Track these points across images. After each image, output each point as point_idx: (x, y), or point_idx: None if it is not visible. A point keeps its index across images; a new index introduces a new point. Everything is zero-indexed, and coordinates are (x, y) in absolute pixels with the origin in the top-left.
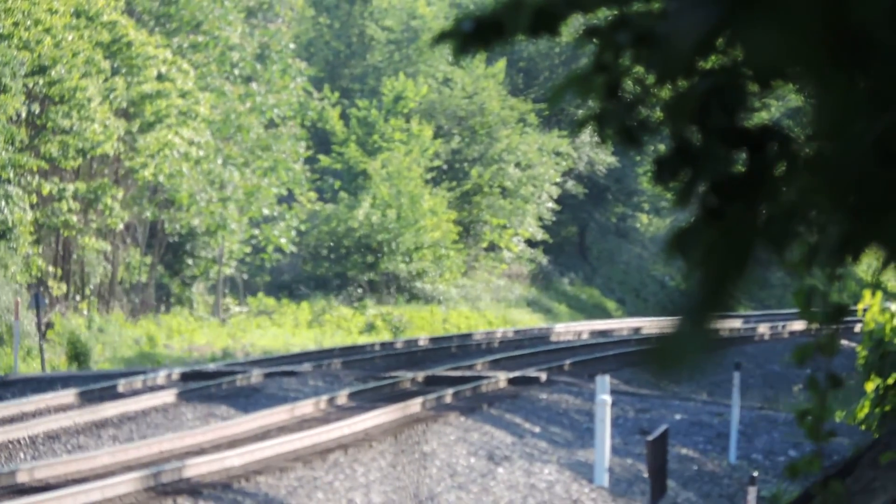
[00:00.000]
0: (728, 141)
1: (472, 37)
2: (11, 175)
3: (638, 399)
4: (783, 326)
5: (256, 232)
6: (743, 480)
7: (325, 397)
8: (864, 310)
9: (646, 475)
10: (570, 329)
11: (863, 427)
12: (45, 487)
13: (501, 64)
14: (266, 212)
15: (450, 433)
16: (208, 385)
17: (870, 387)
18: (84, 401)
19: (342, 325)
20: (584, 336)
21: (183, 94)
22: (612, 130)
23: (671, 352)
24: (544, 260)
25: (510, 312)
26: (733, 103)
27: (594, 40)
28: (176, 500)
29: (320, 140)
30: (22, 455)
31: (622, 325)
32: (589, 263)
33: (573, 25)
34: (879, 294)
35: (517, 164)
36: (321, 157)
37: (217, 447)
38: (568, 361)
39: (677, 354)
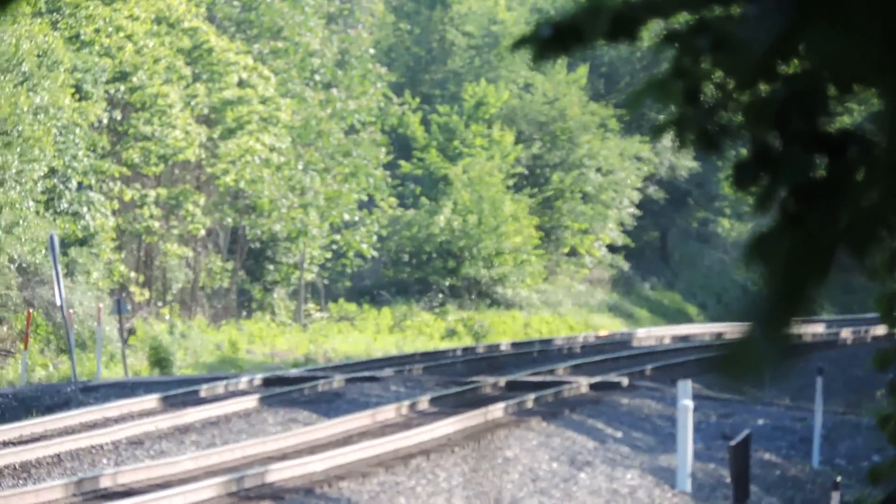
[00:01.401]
0: (808, 146)
1: (551, 42)
2: (93, 181)
3: (720, 404)
4: (866, 331)
5: (337, 237)
6: (826, 485)
7: (406, 402)
8: None
9: (728, 480)
10: (652, 334)
11: None
12: (128, 493)
13: (583, 70)
14: (347, 217)
15: (531, 438)
16: (290, 390)
17: None
18: (166, 406)
19: (423, 330)
20: (666, 341)
21: (264, 101)
22: (691, 136)
23: (744, 356)
24: (625, 265)
25: (592, 317)
26: (813, 108)
27: (674, 45)
28: None
29: (401, 145)
30: (105, 460)
31: (704, 329)
32: (670, 268)
33: (653, 30)
34: None
35: (598, 170)
36: (402, 162)
37: (299, 452)
38: (650, 366)
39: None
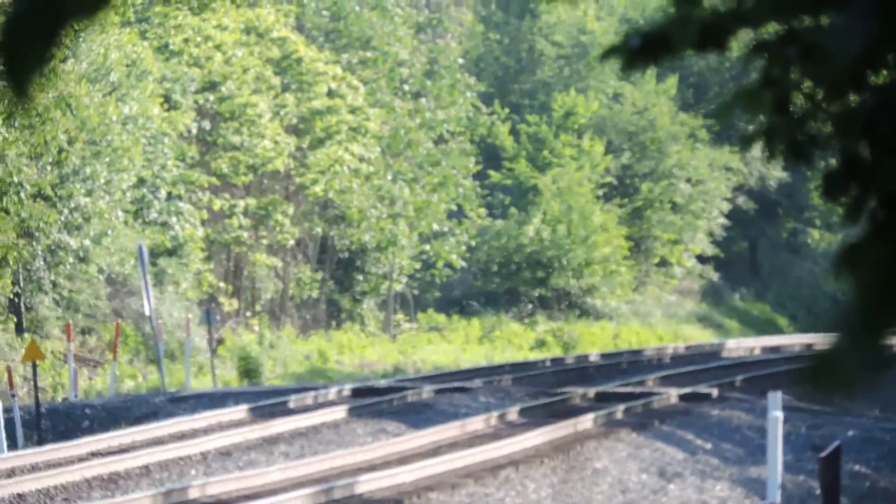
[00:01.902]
0: None
1: (639, 52)
2: (182, 192)
3: (810, 415)
4: None
5: (426, 248)
6: None
7: (495, 413)
8: None
9: (818, 492)
10: (742, 345)
11: None
12: (217, 503)
13: (673, 80)
14: (436, 227)
15: (621, 449)
16: (379, 401)
17: None
18: (255, 417)
19: (512, 340)
20: (756, 352)
21: (353, 111)
22: (781, 146)
23: (833, 369)
24: (715, 275)
25: (681, 328)
26: None
27: (763, 55)
28: None
29: (489, 155)
30: (194, 471)
31: (794, 340)
32: (760, 279)
33: (742, 40)
34: None
35: (688, 180)
36: (491, 172)
37: (388, 463)
38: (740, 377)
39: (840, 371)
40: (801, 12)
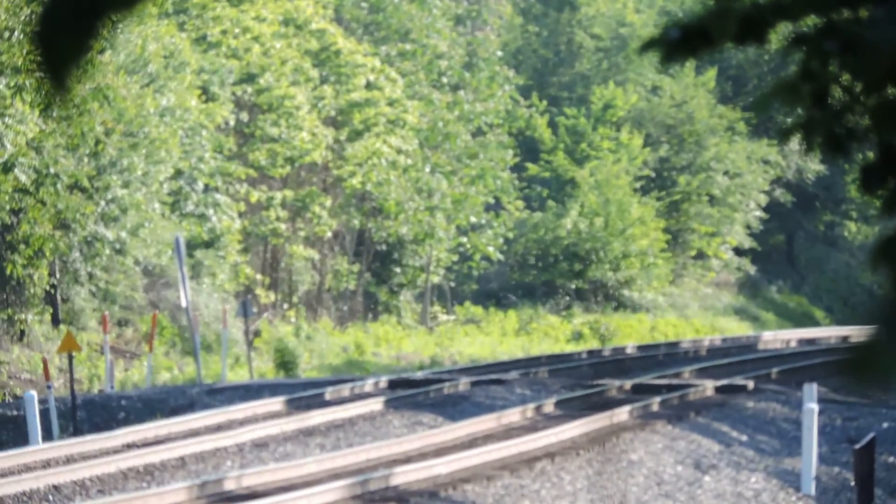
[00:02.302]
0: None
1: (678, 45)
2: (220, 183)
3: (845, 407)
4: None
5: (464, 240)
6: None
7: (531, 405)
8: None
9: (853, 484)
10: (778, 337)
11: None
12: (252, 495)
13: (712, 73)
14: (473, 220)
15: (657, 441)
16: (416, 393)
17: None
18: (291, 409)
19: (549, 333)
20: (792, 344)
21: (391, 103)
22: (819, 138)
23: (872, 361)
24: (752, 268)
25: (717, 320)
26: None
27: (802, 48)
28: None
29: (528, 148)
30: (230, 463)
31: (830, 333)
32: (797, 271)
33: (781, 33)
34: None
35: (725, 173)
36: (529, 165)
37: (424, 455)
38: (775, 370)
39: (878, 363)
40: (841, 5)
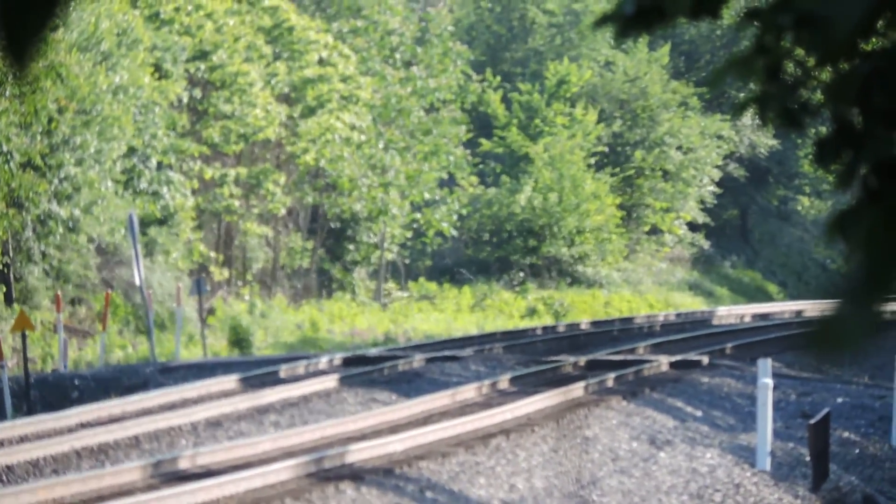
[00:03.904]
0: (890, 123)
1: (633, 20)
2: (173, 161)
3: (800, 382)
4: None
5: (418, 216)
6: None
7: (486, 382)
8: None
9: (808, 459)
10: (732, 312)
11: None
12: (207, 473)
13: (666, 48)
14: (427, 196)
15: (612, 417)
16: (370, 370)
17: None
18: (246, 387)
19: (504, 309)
20: (746, 319)
21: (344, 79)
22: (773, 113)
23: (833, 334)
24: (706, 243)
25: (672, 296)
26: (895, 85)
27: (755, 23)
28: (338, 485)
29: (481, 124)
30: (184, 441)
31: (784, 308)
32: (751, 246)
33: (735, 8)
34: None
35: (679, 148)
36: (482, 140)
37: (379, 433)
38: (730, 345)
39: (840, 337)
40: None
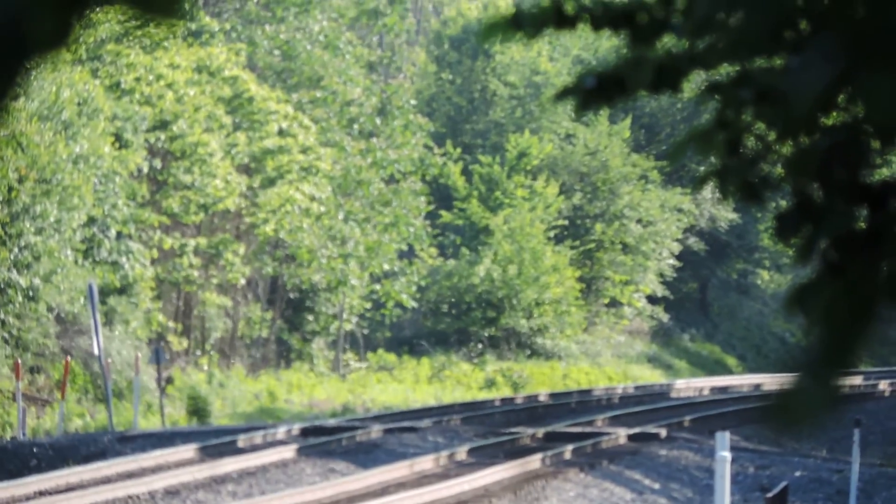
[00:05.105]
0: (850, 197)
1: (594, 93)
2: (133, 230)
3: (758, 455)
4: None
5: (377, 287)
6: None
7: (444, 453)
8: None
9: None
10: (691, 385)
11: None
12: None
13: (627, 121)
14: (387, 267)
15: (569, 489)
16: (328, 440)
17: None
18: (204, 456)
19: (462, 380)
20: (705, 392)
21: (304, 150)
22: (733, 187)
23: (792, 408)
24: (665, 316)
25: (630, 368)
26: (855, 159)
27: (716, 97)
28: None
29: (441, 195)
30: None
31: (743, 381)
32: (710, 319)
33: (695, 82)
34: None
35: (639, 221)
36: (443, 212)
37: (337, 503)
38: (688, 418)
39: (799, 410)
40: (756, 54)
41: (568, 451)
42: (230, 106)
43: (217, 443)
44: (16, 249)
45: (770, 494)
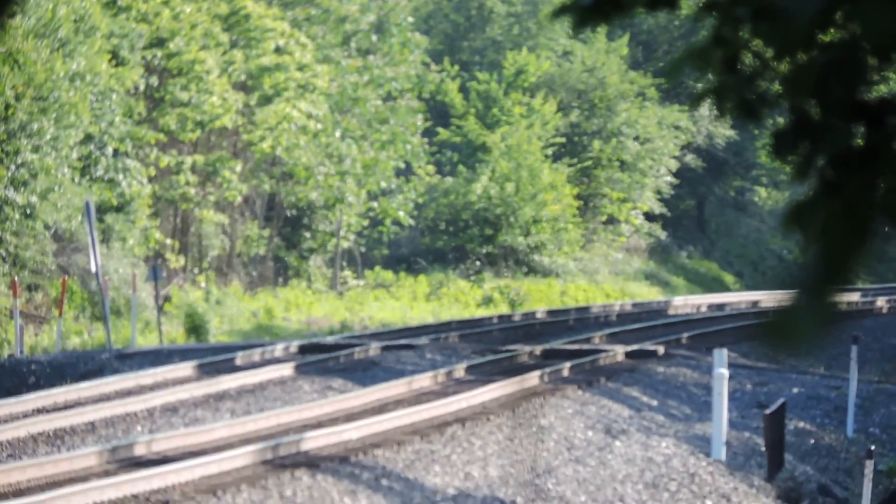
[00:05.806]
0: (847, 114)
1: (591, 10)
2: (129, 148)
3: (755, 372)
4: None
5: (374, 205)
6: (860, 454)
7: (442, 371)
8: None
9: (763, 449)
10: (688, 302)
11: None
12: (162, 460)
13: (624, 39)
14: (384, 185)
15: (567, 407)
16: (326, 358)
17: None
18: (202, 374)
19: (460, 298)
20: (702, 309)
21: (301, 68)
22: (730, 104)
23: (790, 325)
24: (662, 233)
25: (628, 285)
26: (852, 77)
27: (713, 14)
28: (293, 472)
29: (439, 113)
30: (140, 427)
31: (740, 298)
32: (707, 237)
33: None
34: None
35: (636, 138)
36: (440, 129)
37: (335, 420)
38: (686, 335)
39: (796, 328)
40: None
41: (566, 368)
42: (227, 23)
43: (215, 360)
44: (13, 167)
45: (768, 411)
